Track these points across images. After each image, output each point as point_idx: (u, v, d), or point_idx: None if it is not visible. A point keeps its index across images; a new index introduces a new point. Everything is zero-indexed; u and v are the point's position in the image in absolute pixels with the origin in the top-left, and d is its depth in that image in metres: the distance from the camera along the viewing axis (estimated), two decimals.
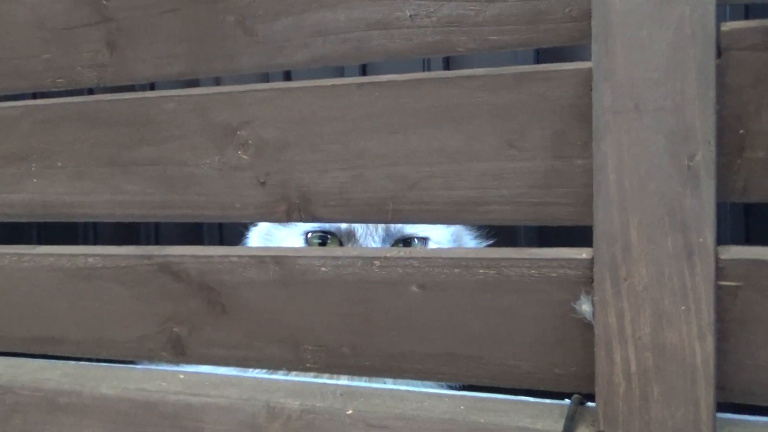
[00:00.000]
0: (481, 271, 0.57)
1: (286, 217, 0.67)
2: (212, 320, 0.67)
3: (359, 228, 0.85)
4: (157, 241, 1.39)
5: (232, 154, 0.66)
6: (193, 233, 1.30)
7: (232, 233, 1.18)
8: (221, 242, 1.28)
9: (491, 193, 0.59)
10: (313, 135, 0.63)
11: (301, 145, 0.64)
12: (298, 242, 0.89)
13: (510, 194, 0.59)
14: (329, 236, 0.87)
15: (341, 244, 0.87)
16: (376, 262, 0.59)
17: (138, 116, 0.68)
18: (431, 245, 0.86)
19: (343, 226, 0.85)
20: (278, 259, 0.62)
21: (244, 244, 0.98)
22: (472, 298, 0.58)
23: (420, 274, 0.59)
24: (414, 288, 0.59)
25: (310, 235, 0.89)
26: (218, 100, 0.66)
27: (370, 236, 0.84)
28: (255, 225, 0.98)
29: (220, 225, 1.29)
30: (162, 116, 0.68)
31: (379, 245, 0.85)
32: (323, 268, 0.61)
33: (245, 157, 0.66)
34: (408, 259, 0.58)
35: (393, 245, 0.87)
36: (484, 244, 0.93)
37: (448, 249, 0.59)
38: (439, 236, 0.87)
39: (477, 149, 0.59)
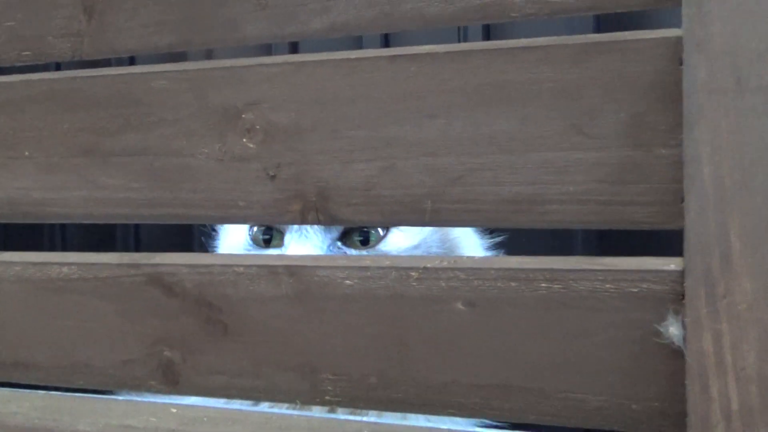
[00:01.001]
0: (543, 285, 0.53)
1: (301, 218, 0.63)
2: (211, 343, 0.63)
3: None
4: (137, 248, 1.34)
5: (236, 142, 0.62)
6: (181, 238, 1.26)
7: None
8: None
9: (552, 189, 0.55)
10: (334, 118, 0.59)
11: (320, 130, 0.60)
12: (242, 239, 0.90)
13: (575, 191, 0.55)
14: (273, 230, 0.88)
15: (282, 236, 0.87)
16: (413, 273, 0.55)
17: (121, 96, 0.64)
18: (394, 234, 0.86)
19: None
20: (293, 270, 0.58)
21: (214, 250, 0.97)
22: (532, 318, 0.54)
23: (467, 288, 0.54)
24: (460, 305, 0.55)
25: (255, 230, 0.89)
26: (219, 76, 0.61)
27: (308, 227, 0.85)
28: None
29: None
30: (151, 96, 0.64)
31: (321, 237, 0.85)
32: (347, 281, 0.57)
33: (251, 145, 0.62)
34: (453, 270, 0.54)
35: (341, 237, 0.86)
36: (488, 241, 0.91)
37: (502, 258, 0.55)
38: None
39: (535, 136, 0.55)
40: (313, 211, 0.62)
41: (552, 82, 0.53)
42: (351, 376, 0.60)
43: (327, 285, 0.58)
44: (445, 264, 0.55)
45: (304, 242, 0.85)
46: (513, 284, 0.54)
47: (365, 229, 0.86)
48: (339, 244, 0.86)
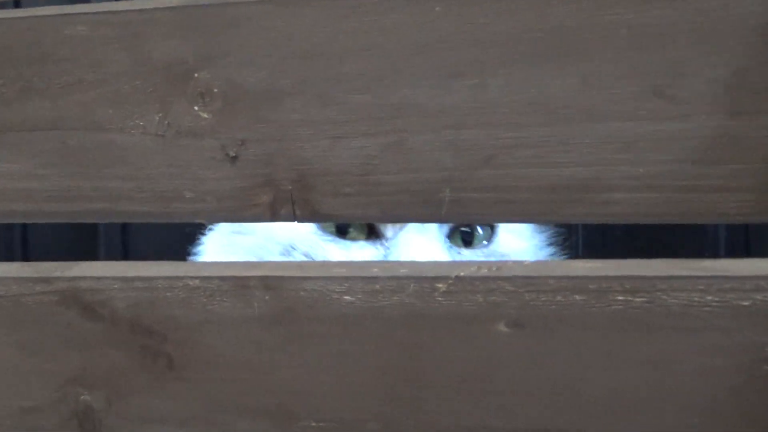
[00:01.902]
0: (620, 298, 0.40)
1: (270, 213, 0.48)
2: (149, 382, 0.47)
3: None
4: (25, 255, 1.13)
5: (184, 111, 0.47)
6: (80, 243, 1.05)
7: (150, 243, 0.95)
8: (125, 257, 1.03)
9: (616, 171, 0.43)
10: (324, 78, 0.44)
11: (303, 94, 0.45)
12: (299, 227, 0.66)
13: (646, 173, 0.42)
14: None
15: (371, 229, 0.66)
16: (440, 285, 0.41)
17: (22, 49, 0.47)
18: (501, 236, 0.69)
19: None
20: (271, 283, 0.43)
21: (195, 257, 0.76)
22: (600, 343, 0.40)
23: (515, 304, 0.41)
24: (502, 327, 0.41)
25: None
26: (163, 20, 0.46)
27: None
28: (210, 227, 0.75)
29: (124, 231, 1.04)
30: (64, 49, 0.47)
31: (436, 232, 0.65)
32: (347, 297, 0.42)
33: (206, 115, 0.46)
34: (496, 280, 0.41)
35: (451, 232, 0.67)
36: (557, 257, 0.75)
37: (564, 263, 0.42)
38: (513, 225, 0.69)
39: (599, 101, 0.42)
40: (288, 204, 0.47)
41: (626, 28, 0.41)
42: (343, 422, 0.45)
43: (317, 302, 0.43)
44: (484, 272, 0.41)
45: (424, 234, 0.64)
46: (578, 298, 0.40)
47: (466, 228, 0.67)
48: (447, 241, 0.68)
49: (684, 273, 0.39)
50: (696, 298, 0.39)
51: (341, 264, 0.43)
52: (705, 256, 0.82)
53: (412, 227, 0.64)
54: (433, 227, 0.64)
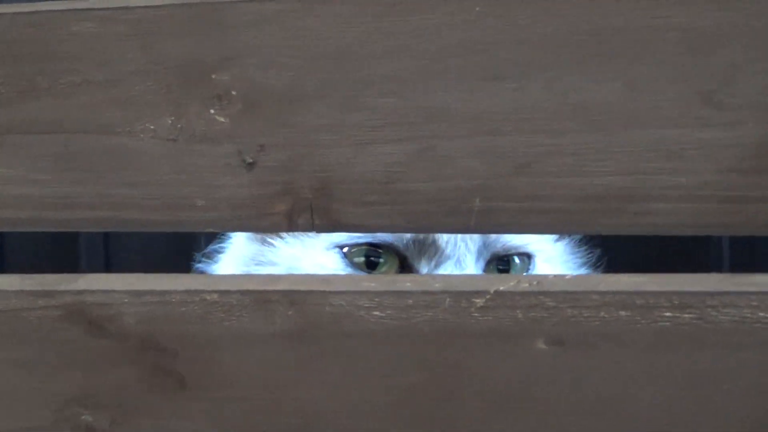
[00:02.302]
0: (667, 314, 0.38)
1: (287, 222, 0.46)
2: (159, 402, 0.44)
3: (443, 235, 0.60)
4: (1, 266, 1.09)
5: (199, 114, 0.44)
6: (60, 252, 1.01)
7: (134, 254, 0.91)
8: (107, 267, 0.98)
9: (657, 181, 0.41)
10: (352, 81, 0.42)
11: (329, 98, 0.43)
12: (325, 262, 0.62)
13: (689, 183, 0.41)
14: (382, 250, 0.61)
15: (403, 264, 0.62)
16: (477, 300, 0.39)
17: (28, 44, 0.45)
18: (539, 266, 0.66)
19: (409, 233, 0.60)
20: (294, 297, 0.41)
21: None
22: (646, 361, 0.39)
23: (555, 320, 0.39)
24: (541, 344, 0.39)
25: (347, 249, 0.62)
26: (178, 17, 0.43)
27: (461, 246, 0.60)
28: (225, 238, 0.71)
29: (107, 241, 0.99)
30: (72, 45, 0.45)
31: (473, 266, 0.61)
32: (377, 312, 0.40)
33: (222, 119, 0.44)
34: (536, 295, 0.39)
35: (486, 266, 0.64)
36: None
37: (608, 277, 0.40)
38: (550, 252, 0.66)
39: (644, 108, 0.40)
40: (307, 213, 0.45)
41: (676, 31, 0.39)
42: None
43: (344, 318, 0.41)
44: (524, 286, 0.39)
45: (460, 269, 0.61)
46: (623, 314, 0.38)
47: (506, 257, 0.63)
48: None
49: (735, 288, 0.37)
50: (747, 315, 0.38)
51: (371, 278, 0.41)
52: (710, 268, 0.81)
53: (448, 264, 0.60)
54: (469, 261, 0.61)
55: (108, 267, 0.94)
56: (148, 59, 0.44)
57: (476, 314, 0.40)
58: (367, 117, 0.43)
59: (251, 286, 0.41)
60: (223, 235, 0.69)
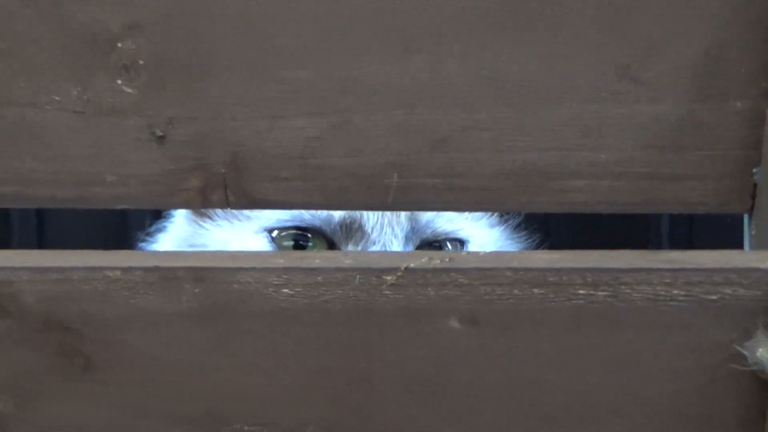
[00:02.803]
0: (581, 292, 0.37)
1: (200, 199, 0.44)
2: (64, 385, 0.43)
3: (369, 217, 0.59)
4: None
5: (106, 85, 0.43)
6: None
7: (68, 233, 0.88)
8: (40, 245, 0.95)
9: (576, 157, 0.40)
10: (264, 52, 0.41)
11: (240, 69, 0.41)
12: (254, 247, 0.61)
13: (608, 160, 0.40)
14: (310, 234, 0.60)
15: (332, 247, 0.61)
16: (387, 277, 0.38)
17: None
18: (471, 250, 0.64)
19: (338, 214, 0.59)
20: (200, 274, 0.39)
21: None
22: (561, 341, 0.38)
23: (468, 298, 0.38)
24: (454, 323, 0.38)
25: (276, 233, 0.61)
26: None
27: (387, 231, 0.59)
28: (168, 217, 0.69)
29: (40, 218, 0.96)
30: None
31: (401, 248, 0.60)
32: (286, 290, 0.39)
33: (129, 90, 0.42)
34: (448, 272, 0.38)
35: (417, 249, 0.62)
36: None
37: (522, 254, 0.39)
38: (484, 238, 0.65)
39: (562, 82, 0.39)
40: (220, 189, 0.44)
41: (594, 5, 0.38)
42: (280, 426, 0.42)
43: (253, 296, 0.40)
44: (436, 263, 0.38)
45: None
46: (537, 291, 0.38)
47: (437, 242, 0.62)
48: None
49: (649, 265, 0.37)
50: (662, 292, 0.37)
51: (279, 254, 0.40)
52: (649, 248, 0.81)
53: (374, 247, 0.59)
54: (396, 247, 0.60)
55: (41, 246, 0.91)
56: (51, 26, 0.42)
57: (387, 292, 0.39)
58: (279, 89, 0.41)
59: (155, 263, 0.40)
60: (166, 213, 0.67)
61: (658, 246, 0.88)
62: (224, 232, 0.63)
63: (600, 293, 0.37)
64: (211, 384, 0.42)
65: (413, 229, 0.59)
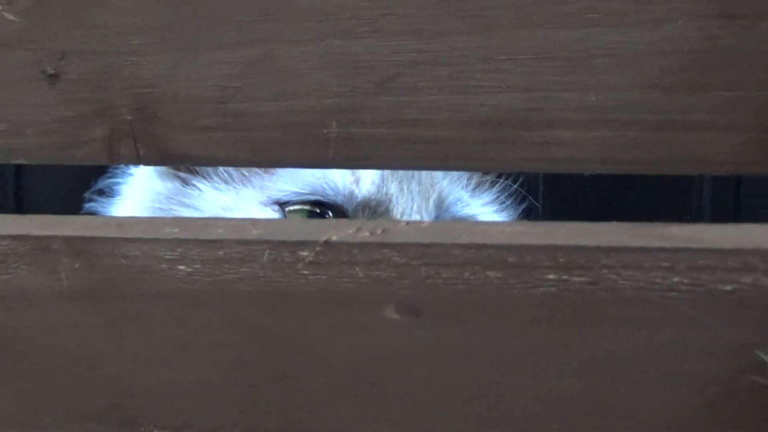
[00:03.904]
0: (551, 276, 0.28)
1: (107, 152, 0.37)
2: None
3: (398, 199, 0.50)
4: None
5: None
6: None
7: (48, 190, 0.81)
8: (19, 207, 0.88)
9: (563, 100, 0.32)
10: None
11: None
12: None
13: (603, 103, 0.31)
14: (329, 211, 0.51)
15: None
16: (303, 253, 0.30)
17: None
18: None
19: (362, 191, 0.49)
20: (79, 246, 0.32)
21: None
22: (524, 339, 0.29)
23: (408, 282, 0.29)
24: (392, 313, 0.30)
25: (289, 208, 0.51)
26: None
27: (416, 215, 0.50)
28: (125, 173, 0.60)
29: (18, 174, 0.88)
30: None
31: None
32: (182, 267, 0.31)
33: (12, 17, 0.35)
34: (380, 247, 0.29)
35: None
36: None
37: (473, 225, 0.30)
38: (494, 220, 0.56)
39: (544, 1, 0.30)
40: (129, 140, 0.36)
41: None
42: (194, 428, 0.34)
43: (144, 273, 0.32)
44: (365, 236, 0.29)
45: None
46: (494, 275, 0.29)
47: None
48: None
49: (641, 243, 0.27)
50: (658, 280, 0.28)
51: (174, 221, 0.32)
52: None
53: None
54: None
55: (20, 207, 0.85)
56: None
57: (305, 271, 0.30)
58: (187, 14, 0.33)
59: (25, 230, 0.32)
60: (115, 168, 0.59)
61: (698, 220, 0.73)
62: (224, 197, 0.54)
63: (575, 279, 0.28)
64: (111, 377, 0.34)
65: (438, 215, 0.51)
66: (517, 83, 0.32)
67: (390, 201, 0.50)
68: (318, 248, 0.30)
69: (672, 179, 0.66)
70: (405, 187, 0.50)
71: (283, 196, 0.51)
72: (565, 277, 0.28)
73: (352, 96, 0.33)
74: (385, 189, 0.50)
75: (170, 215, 0.55)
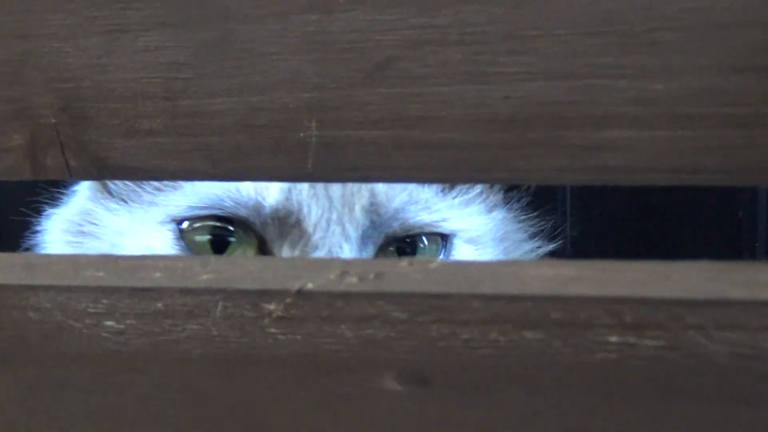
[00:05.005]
0: (613, 339, 0.20)
1: (30, 164, 0.29)
2: None
3: (311, 209, 0.39)
4: None
5: None
6: None
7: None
8: None
9: (616, 88, 0.22)
10: None
11: None
12: (152, 243, 0.42)
13: (673, 92, 0.22)
14: (234, 228, 0.41)
15: (263, 249, 0.41)
16: (270, 306, 0.21)
17: None
18: (460, 250, 0.43)
19: (270, 202, 0.39)
20: None
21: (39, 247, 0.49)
22: (574, 419, 0.20)
23: (412, 345, 0.20)
24: (391, 383, 0.21)
25: (187, 224, 0.41)
26: None
27: (335, 230, 0.39)
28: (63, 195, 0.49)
29: None
30: None
31: (353, 251, 0.40)
32: (109, 323, 0.22)
33: None
34: (374, 299, 0.20)
35: (379, 250, 0.42)
36: (544, 249, 0.47)
37: (497, 267, 0.21)
38: (477, 229, 0.44)
39: None
40: (55, 148, 0.27)
41: None
42: None
43: (61, 331, 0.23)
44: (353, 282, 0.21)
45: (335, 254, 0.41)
46: (532, 337, 0.20)
47: (407, 238, 0.41)
48: None
49: (743, 295, 0.19)
50: (764, 343, 0.19)
51: (98, 261, 0.23)
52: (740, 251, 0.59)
53: (317, 253, 0.39)
54: (348, 252, 0.40)
55: None
56: None
57: (272, 329, 0.22)
58: None
59: None
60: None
61: (751, 251, 0.55)
62: (120, 220, 0.44)
63: (647, 342, 0.19)
64: None
65: (374, 224, 0.40)
66: (553, 68, 0.23)
67: (300, 210, 0.40)
68: (289, 299, 0.21)
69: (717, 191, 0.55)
70: (320, 191, 0.40)
71: (177, 212, 0.41)
72: (633, 339, 0.20)
73: (336, 88, 0.24)
74: (294, 195, 0.40)
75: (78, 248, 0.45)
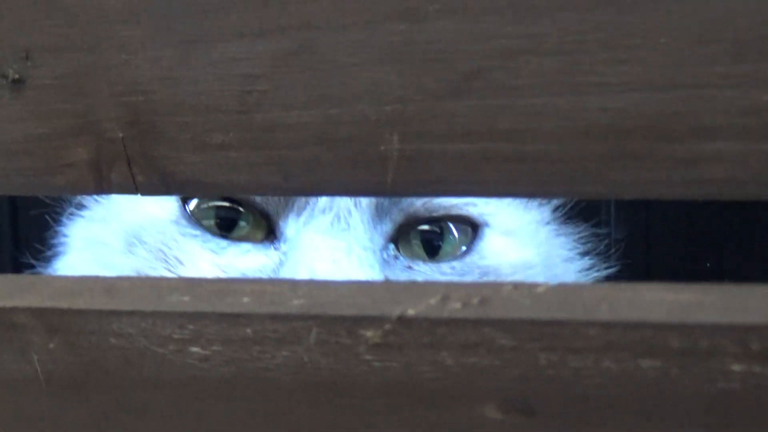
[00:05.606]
0: (735, 368, 0.18)
1: (95, 178, 0.27)
2: None
3: None
4: None
5: None
6: None
7: None
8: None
9: (722, 99, 0.21)
10: None
11: None
12: (156, 211, 0.40)
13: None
14: (242, 207, 0.39)
15: (270, 226, 0.38)
16: (368, 333, 0.20)
17: None
18: (492, 243, 0.40)
19: None
20: (54, 320, 0.22)
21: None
22: None
23: (517, 372, 0.19)
24: (492, 412, 0.20)
25: (195, 205, 0.39)
26: None
27: (345, 207, 0.37)
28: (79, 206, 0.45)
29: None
30: None
31: (364, 231, 0.37)
32: (194, 348, 0.22)
33: None
34: (479, 326, 0.19)
35: (398, 235, 0.39)
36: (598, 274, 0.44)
37: (615, 291, 0.20)
38: (512, 222, 0.41)
39: None
40: (122, 163, 0.26)
41: None
42: None
43: (144, 356, 0.22)
44: (456, 308, 0.19)
45: (337, 236, 0.37)
46: (649, 365, 0.19)
47: (429, 228, 0.38)
48: (393, 249, 0.39)
49: None
50: None
51: (183, 284, 0.22)
52: None
53: (321, 221, 0.37)
54: (358, 221, 0.37)
55: (17, 246, 0.68)
56: None
57: (368, 357, 0.20)
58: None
59: None
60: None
61: None
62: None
63: None
64: None
65: (379, 208, 0.38)
66: (656, 78, 0.22)
67: None
68: (388, 326, 0.20)
69: None
70: None
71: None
72: (758, 368, 0.18)
73: (421, 100, 0.23)
74: None
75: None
